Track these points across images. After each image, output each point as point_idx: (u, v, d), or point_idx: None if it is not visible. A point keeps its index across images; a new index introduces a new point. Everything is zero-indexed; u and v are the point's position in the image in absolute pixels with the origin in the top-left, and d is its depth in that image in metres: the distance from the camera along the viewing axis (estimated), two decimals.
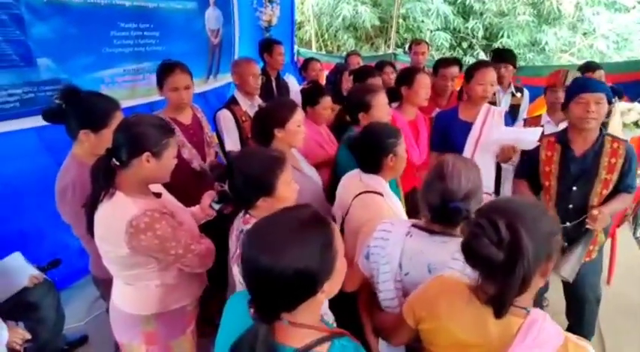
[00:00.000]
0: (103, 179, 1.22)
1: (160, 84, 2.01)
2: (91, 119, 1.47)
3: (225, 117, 2.35)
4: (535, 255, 0.78)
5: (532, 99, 3.14)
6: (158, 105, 2.49)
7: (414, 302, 1.02)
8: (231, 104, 2.43)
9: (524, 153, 2.10)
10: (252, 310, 0.76)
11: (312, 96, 2.34)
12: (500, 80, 2.92)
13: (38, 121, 1.79)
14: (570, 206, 1.79)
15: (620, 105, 2.49)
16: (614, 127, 2.38)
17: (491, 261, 0.79)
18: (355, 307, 1.36)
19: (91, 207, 1.25)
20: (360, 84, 2.49)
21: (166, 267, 1.33)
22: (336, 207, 1.62)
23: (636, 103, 2.66)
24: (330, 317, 1.01)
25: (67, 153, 1.56)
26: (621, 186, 1.76)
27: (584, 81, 1.96)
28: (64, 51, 2.43)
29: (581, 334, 0.92)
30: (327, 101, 2.35)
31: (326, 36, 8.78)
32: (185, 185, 1.61)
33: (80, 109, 1.47)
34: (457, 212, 1.08)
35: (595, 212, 1.70)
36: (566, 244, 1.67)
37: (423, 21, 8.11)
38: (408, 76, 2.31)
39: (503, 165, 2.35)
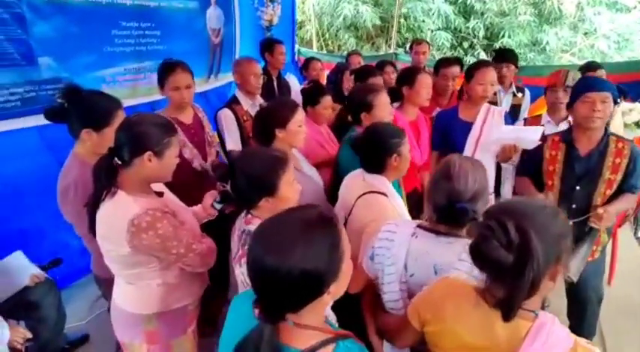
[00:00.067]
0: (105, 178, 1.22)
1: (161, 83, 2.01)
2: (93, 118, 1.47)
3: (226, 116, 2.35)
4: (545, 258, 0.77)
5: (533, 99, 3.13)
6: (159, 104, 2.49)
7: (419, 303, 1.01)
8: (233, 103, 2.43)
9: (524, 151, 2.10)
10: (256, 310, 0.76)
11: (312, 95, 2.34)
12: (501, 80, 2.92)
13: (39, 120, 1.80)
14: (573, 206, 1.78)
15: (622, 106, 2.49)
16: (616, 128, 2.39)
17: (500, 263, 0.78)
18: (357, 307, 1.35)
19: (92, 206, 1.25)
20: (361, 83, 2.49)
21: (168, 266, 1.33)
22: (338, 208, 1.62)
23: (637, 104, 2.67)
24: (332, 318, 1.00)
25: (69, 152, 1.56)
26: (625, 186, 1.75)
27: (590, 80, 1.94)
28: (65, 50, 2.43)
29: (582, 334, 0.91)
30: (327, 101, 2.35)
31: (327, 35, 8.77)
32: (186, 185, 1.61)
33: (82, 108, 1.47)
34: (464, 213, 1.07)
35: (600, 211, 1.70)
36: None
37: (424, 21, 8.11)
38: (409, 76, 2.31)
39: (503, 165, 2.35)
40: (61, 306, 2.05)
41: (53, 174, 1.56)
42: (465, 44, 8.47)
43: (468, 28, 8.13)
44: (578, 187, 1.78)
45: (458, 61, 2.89)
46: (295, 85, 3.69)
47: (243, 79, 2.43)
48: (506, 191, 2.43)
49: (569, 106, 1.81)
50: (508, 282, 0.79)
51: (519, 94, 3.00)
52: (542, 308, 0.94)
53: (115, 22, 2.74)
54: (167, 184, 1.45)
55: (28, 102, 2.27)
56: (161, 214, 1.23)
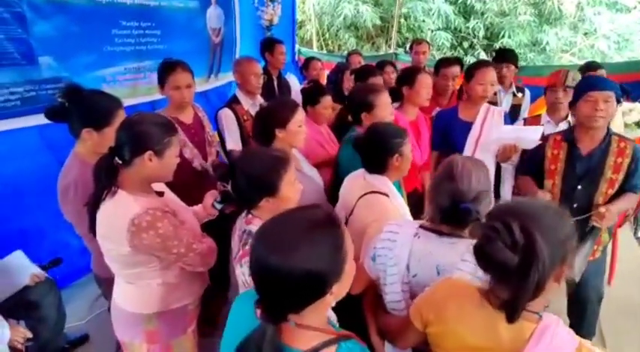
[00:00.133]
0: (106, 177, 1.22)
1: (162, 82, 2.01)
2: (93, 117, 1.47)
3: (226, 116, 2.35)
4: (550, 259, 0.76)
5: (533, 100, 3.13)
6: (159, 103, 2.48)
7: (421, 304, 1.01)
8: (233, 103, 2.43)
9: (525, 151, 2.10)
10: (258, 310, 0.75)
11: (312, 95, 2.33)
12: (502, 80, 2.92)
13: (39, 120, 1.80)
14: (575, 205, 1.77)
15: (622, 106, 2.49)
16: (616, 127, 2.38)
17: (505, 264, 0.77)
18: (358, 308, 1.35)
19: (93, 205, 1.25)
20: (362, 83, 2.49)
21: (168, 266, 1.33)
22: (339, 208, 1.61)
23: (637, 104, 2.66)
24: (333, 318, 1.00)
25: (69, 151, 1.56)
26: (627, 186, 1.75)
27: (593, 79, 1.94)
28: (65, 49, 2.42)
29: (581, 333, 0.91)
30: (327, 100, 2.35)
31: (327, 35, 8.77)
32: (186, 184, 1.61)
33: (83, 108, 1.47)
34: (467, 213, 1.06)
35: (602, 209, 1.69)
36: None
37: (424, 20, 8.11)
38: (409, 76, 2.31)
39: (502, 165, 2.35)
40: (61, 306, 2.05)
41: (53, 174, 1.56)
42: (465, 44, 8.47)
43: (468, 28, 8.13)
44: (579, 186, 1.77)
45: (458, 60, 2.89)
46: (295, 84, 3.69)
47: (243, 78, 2.43)
48: (506, 191, 2.43)
49: (572, 105, 1.80)
50: (513, 284, 0.79)
51: (519, 94, 3.01)
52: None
53: (115, 21, 2.74)
54: (167, 184, 1.45)
55: (28, 102, 2.27)
56: (161, 214, 1.23)
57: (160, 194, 1.35)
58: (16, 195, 2.25)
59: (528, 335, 0.81)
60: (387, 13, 8.33)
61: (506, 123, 2.30)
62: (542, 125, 2.26)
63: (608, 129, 1.77)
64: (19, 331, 1.64)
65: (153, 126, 1.25)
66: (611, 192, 1.75)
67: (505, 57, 2.99)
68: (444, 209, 1.11)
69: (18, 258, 1.94)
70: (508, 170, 2.38)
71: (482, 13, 8.06)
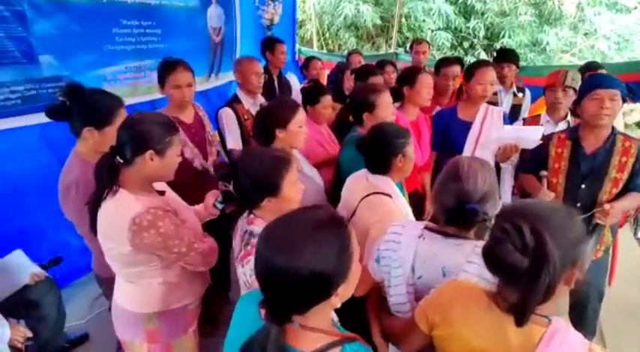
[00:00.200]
0: (107, 176, 1.22)
1: (162, 81, 2.00)
2: (95, 116, 1.46)
3: (227, 115, 2.35)
4: (561, 262, 0.75)
5: (533, 100, 3.13)
6: (160, 103, 2.48)
7: (426, 306, 0.99)
8: (234, 102, 2.42)
9: (524, 150, 2.10)
10: (263, 311, 0.75)
11: (312, 95, 2.33)
12: (502, 80, 2.92)
13: (40, 118, 1.80)
14: (578, 204, 1.76)
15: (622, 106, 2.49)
16: (617, 128, 2.37)
17: (515, 267, 0.76)
18: (360, 309, 1.33)
19: (94, 204, 1.25)
20: (363, 83, 2.48)
21: (169, 265, 1.33)
22: (340, 209, 1.60)
23: (638, 104, 2.66)
24: (334, 318, 1.00)
25: (69, 150, 1.56)
26: (631, 186, 1.74)
27: (599, 77, 1.92)
28: (66, 48, 2.42)
29: (582, 333, 0.90)
30: (327, 100, 2.34)
31: (327, 35, 8.76)
32: (187, 184, 1.60)
33: (84, 106, 1.46)
34: (474, 214, 1.05)
35: (607, 206, 1.69)
36: None
37: (424, 20, 8.10)
38: (410, 76, 2.30)
39: (502, 165, 2.35)
40: (61, 305, 2.05)
41: (54, 173, 1.56)
42: (466, 44, 8.46)
43: (468, 28, 8.13)
44: (583, 185, 1.77)
45: (458, 60, 2.89)
46: (296, 84, 3.69)
47: (244, 78, 2.42)
48: (505, 191, 2.43)
49: (577, 103, 1.79)
50: (522, 287, 0.77)
51: (520, 94, 3.01)
52: None
53: (115, 20, 2.74)
54: (168, 183, 1.45)
55: (28, 101, 2.26)
56: (163, 213, 1.23)
57: (162, 193, 1.35)
58: (16, 194, 2.25)
59: (537, 339, 0.79)
60: (387, 13, 8.32)
61: (505, 123, 2.30)
62: (542, 125, 2.27)
63: (613, 128, 1.77)
64: (19, 330, 1.63)
65: (154, 125, 1.24)
66: (615, 191, 1.74)
67: (506, 57, 2.99)
68: (450, 209, 1.09)
69: (18, 257, 1.94)
70: (507, 170, 2.38)
71: (483, 13, 8.06)
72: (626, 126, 2.58)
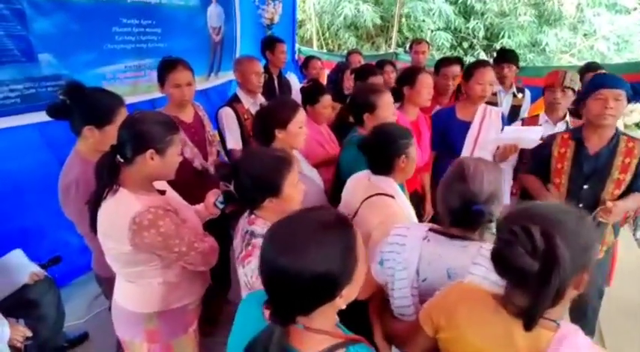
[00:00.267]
0: (107, 175, 1.22)
1: (162, 80, 1.99)
2: (95, 115, 1.46)
3: (227, 114, 2.34)
4: (571, 266, 0.73)
5: (533, 100, 3.13)
6: (160, 102, 2.48)
7: (431, 309, 0.98)
8: (234, 102, 2.42)
9: (522, 151, 2.09)
10: (267, 312, 0.74)
11: (311, 94, 2.32)
12: (502, 80, 2.93)
13: (39, 117, 1.79)
14: (581, 205, 1.75)
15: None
16: None
17: (525, 271, 0.74)
18: (362, 312, 1.31)
19: (94, 203, 1.24)
20: (363, 84, 2.48)
21: (169, 265, 1.32)
22: (341, 210, 1.58)
23: (638, 105, 2.66)
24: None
25: (69, 149, 1.55)
26: (634, 187, 1.74)
27: (603, 77, 1.91)
28: (65, 46, 2.41)
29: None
30: (327, 100, 2.34)
31: (327, 34, 8.76)
32: (187, 184, 1.60)
33: (85, 105, 1.46)
34: (480, 215, 1.03)
35: (610, 204, 1.68)
36: None
37: (424, 20, 8.11)
38: (410, 76, 2.30)
39: (500, 165, 2.35)
40: (61, 304, 2.04)
41: (53, 172, 1.55)
42: (465, 44, 8.48)
43: (468, 28, 8.14)
44: (586, 186, 1.76)
45: (458, 60, 2.89)
46: (296, 83, 3.69)
47: (244, 77, 2.42)
48: (505, 191, 2.42)
49: (581, 103, 1.78)
50: (532, 290, 0.75)
51: (519, 95, 3.01)
52: None
53: (115, 19, 2.73)
54: (169, 183, 1.44)
55: (27, 99, 2.26)
56: (163, 212, 1.23)
57: (162, 192, 1.34)
58: (15, 193, 2.24)
59: (545, 344, 0.78)
60: (387, 13, 8.33)
61: (504, 123, 2.30)
62: (540, 125, 2.26)
63: (617, 128, 1.76)
64: (18, 330, 1.63)
65: (155, 124, 1.24)
66: (617, 192, 1.74)
67: (506, 57, 2.99)
68: (455, 210, 1.08)
69: (17, 257, 1.93)
70: (506, 170, 2.38)
71: (483, 14, 8.07)
72: (626, 126, 2.58)
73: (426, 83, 2.26)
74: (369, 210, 1.43)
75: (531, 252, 0.74)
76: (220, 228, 1.59)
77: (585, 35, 8.07)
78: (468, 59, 7.56)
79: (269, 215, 1.22)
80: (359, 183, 1.55)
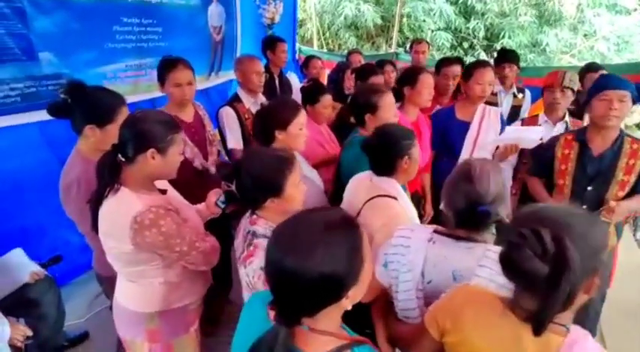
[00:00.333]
0: (109, 175, 1.21)
1: (162, 80, 1.98)
2: (96, 114, 1.46)
3: (227, 114, 2.34)
4: (582, 270, 0.71)
5: (533, 100, 3.13)
6: (160, 101, 2.47)
7: (437, 311, 0.97)
8: (234, 101, 2.41)
9: (522, 151, 2.09)
10: (272, 313, 0.74)
11: (312, 94, 2.31)
12: (503, 80, 2.92)
13: (40, 116, 1.78)
14: (584, 206, 1.73)
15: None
16: None
17: (534, 274, 0.72)
18: (365, 314, 1.31)
19: (95, 203, 1.24)
20: (365, 84, 2.47)
21: (170, 265, 1.32)
22: None
23: (638, 105, 2.66)
24: None
25: (69, 148, 1.55)
26: (638, 188, 1.73)
27: (608, 77, 1.90)
28: (66, 45, 2.41)
29: None
30: (327, 99, 2.33)
31: (327, 34, 8.76)
32: (187, 184, 1.60)
33: (86, 104, 1.45)
34: (486, 216, 1.03)
35: (613, 204, 1.68)
36: None
37: (424, 20, 8.11)
38: (411, 76, 2.28)
39: (500, 165, 2.34)
40: (61, 304, 2.04)
41: (53, 171, 1.55)
42: (465, 44, 8.48)
43: (468, 28, 8.14)
44: (590, 187, 1.75)
45: (459, 60, 2.89)
46: (296, 83, 3.69)
47: (245, 77, 2.41)
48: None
49: (586, 104, 1.77)
50: (541, 294, 0.74)
51: (520, 95, 3.01)
52: None
53: (116, 18, 2.73)
54: (169, 182, 1.44)
55: (28, 98, 2.25)
56: (164, 211, 1.23)
57: (163, 192, 1.34)
58: (15, 192, 2.24)
59: (555, 349, 0.77)
60: (387, 13, 8.33)
61: (502, 123, 2.29)
62: (540, 125, 2.26)
63: (621, 129, 1.75)
64: (18, 329, 1.62)
65: (156, 123, 1.24)
66: (621, 194, 1.73)
67: (507, 57, 2.99)
68: (461, 211, 1.07)
69: (17, 256, 1.93)
70: (506, 170, 2.38)
71: (483, 14, 8.07)
72: (627, 127, 2.58)
73: (427, 83, 2.25)
74: (371, 212, 1.42)
75: (541, 255, 0.72)
76: (222, 228, 1.59)
77: (585, 36, 8.07)
78: (469, 59, 7.56)
79: (271, 215, 1.21)
80: (361, 184, 1.54)
